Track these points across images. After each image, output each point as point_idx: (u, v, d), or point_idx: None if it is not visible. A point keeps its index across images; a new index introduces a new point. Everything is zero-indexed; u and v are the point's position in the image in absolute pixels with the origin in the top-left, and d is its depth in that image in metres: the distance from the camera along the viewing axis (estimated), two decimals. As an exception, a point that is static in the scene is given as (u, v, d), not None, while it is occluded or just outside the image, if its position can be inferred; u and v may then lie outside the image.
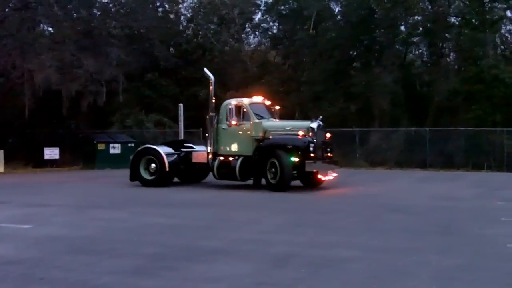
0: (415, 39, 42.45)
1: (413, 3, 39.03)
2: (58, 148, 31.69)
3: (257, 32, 48.16)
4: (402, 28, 41.34)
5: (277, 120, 19.85)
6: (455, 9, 40.67)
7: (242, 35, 45.88)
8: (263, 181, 18.34)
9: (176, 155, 20.21)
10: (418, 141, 32.07)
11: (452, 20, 41.28)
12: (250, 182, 19.13)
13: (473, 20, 38.94)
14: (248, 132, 18.69)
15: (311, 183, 18.67)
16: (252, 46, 48.22)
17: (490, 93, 33.73)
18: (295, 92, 38.82)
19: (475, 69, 36.39)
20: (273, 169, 17.57)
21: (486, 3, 37.85)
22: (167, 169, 19.65)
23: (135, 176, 20.30)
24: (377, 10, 38.46)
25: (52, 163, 31.40)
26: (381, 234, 10.19)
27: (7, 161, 29.83)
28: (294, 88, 39.64)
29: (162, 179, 19.71)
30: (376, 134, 34.15)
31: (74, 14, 34.33)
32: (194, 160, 20.02)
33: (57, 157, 31.57)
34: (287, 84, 40.42)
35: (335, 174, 18.80)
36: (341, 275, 7.09)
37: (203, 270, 7.26)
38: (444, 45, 42.11)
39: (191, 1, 46.06)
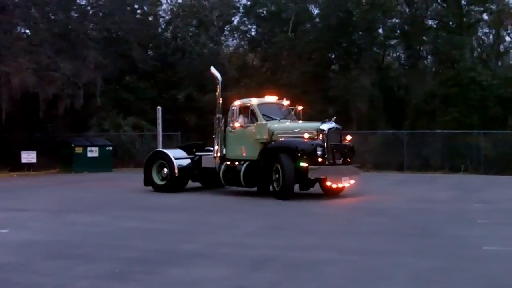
0: (392, 42, 42.75)
1: (390, 5, 39.25)
2: (35, 151, 31.40)
3: (235, 35, 48.18)
4: (380, 30, 41.60)
5: (291, 121, 18.05)
6: (433, 12, 41.02)
7: (221, 38, 45.86)
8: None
9: (189, 159, 19.29)
10: (395, 143, 32.27)
11: (430, 23, 41.61)
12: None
13: (450, 23, 39.30)
14: (253, 135, 17.38)
15: (323, 191, 17.13)
16: (231, 48, 48.24)
17: (467, 95, 34.05)
18: (274, 95, 38.86)
19: (452, 72, 36.73)
20: (277, 175, 16.13)
21: (463, 6, 38.22)
22: (176, 174, 18.69)
23: (148, 181, 19.64)
24: (355, 13, 38.59)
25: (29, 166, 31.10)
26: (359, 236, 10.23)
27: (-17, 165, 29.53)
28: (273, 90, 39.64)
29: (172, 184, 18.82)
30: (354, 137, 34.25)
31: (52, 17, 34.07)
32: (203, 165, 19.09)
33: (34, 160, 31.28)
34: (266, 86, 40.45)
35: (352, 181, 16.93)
36: (319, 277, 7.10)
37: (180, 274, 7.23)
38: (421, 48, 42.41)
39: (170, 3, 45.98)
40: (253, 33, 47.29)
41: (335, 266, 7.66)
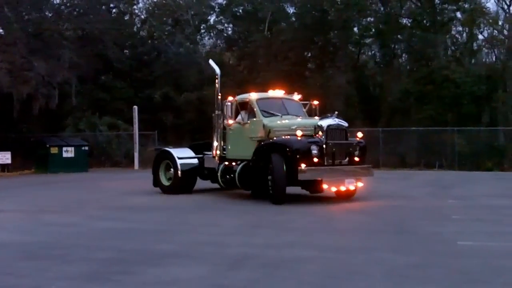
0: (367, 41, 43.05)
1: (365, 4, 39.50)
2: (9, 152, 31.11)
3: (212, 34, 48.15)
4: (355, 29, 41.84)
5: (300, 117, 16.36)
6: (407, 11, 41.38)
7: (197, 37, 45.78)
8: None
9: (196, 159, 18.09)
10: (371, 141, 32.43)
11: (404, 21, 41.95)
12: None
13: (425, 22, 39.64)
14: (248, 133, 16.18)
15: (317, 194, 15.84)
16: (207, 47, 48.17)
17: (441, 93, 34.43)
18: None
19: (426, 70, 37.09)
20: (270, 177, 14.69)
21: (437, 5, 38.59)
22: (180, 175, 17.73)
23: (156, 182, 18.79)
24: (330, 12, 38.79)
25: (3, 167, 30.82)
26: (336, 233, 10.30)
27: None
28: (250, 89, 39.71)
29: (177, 185, 17.89)
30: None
31: (26, 16, 33.76)
32: (206, 165, 17.78)
33: (9, 161, 30.99)
34: (243, 85, 40.49)
35: (360, 184, 15.33)
36: (297, 275, 7.14)
37: (158, 273, 7.22)
38: (396, 46, 42.74)
39: (145, 2, 45.80)
40: (229, 32, 47.31)
41: (313, 264, 7.71)
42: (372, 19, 41.98)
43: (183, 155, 18.21)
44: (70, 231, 10.83)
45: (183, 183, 17.92)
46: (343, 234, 10.27)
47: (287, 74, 38.53)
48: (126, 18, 44.73)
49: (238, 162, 16.08)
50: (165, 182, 18.41)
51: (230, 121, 16.63)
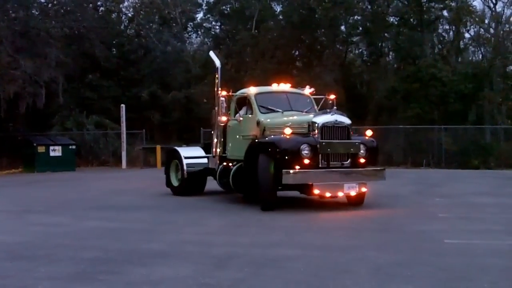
0: (355, 39, 43.18)
1: (352, 3, 39.61)
2: (-4, 151, 30.97)
3: (199, 32, 48.13)
4: (342, 28, 41.94)
5: (304, 114, 14.66)
6: (394, 9, 41.54)
7: (184, 35, 45.73)
8: None
9: (206, 159, 16.84)
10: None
11: (391, 20, 42.11)
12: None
13: (411, 20, 39.82)
14: (241, 131, 15.11)
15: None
16: (194, 46, 48.14)
17: (428, 91, 34.60)
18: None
19: (413, 68, 37.26)
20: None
21: (424, 3, 38.76)
22: (185, 175, 16.67)
23: (168, 182, 17.76)
24: (317, 10, 38.85)
25: (-10, 167, 30.68)
26: (321, 232, 10.33)
27: None
28: (237, 88, 39.72)
29: (184, 186, 16.92)
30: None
31: (12, 14, 33.57)
32: (209, 165, 16.51)
33: (-5, 160, 30.85)
34: (230, 84, 40.52)
35: (364, 189, 13.51)
36: (283, 274, 7.16)
37: (144, 273, 7.22)
38: (383, 45, 42.91)
39: (132, 0, 45.67)
40: (217, 30, 47.30)
41: (299, 262, 7.73)
42: (359, 18, 42.11)
43: (191, 155, 17.14)
44: (57, 231, 10.79)
45: (190, 184, 16.89)
46: (328, 232, 10.29)
47: (274, 72, 38.54)
48: (113, 16, 44.59)
49: (235, 163, 14.77)
50: (175, 183, 17.49)
51: (223, 118, 15.36)
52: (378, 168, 14.19)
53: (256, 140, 13.90)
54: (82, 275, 7.19)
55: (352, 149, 13.33)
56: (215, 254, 8.33)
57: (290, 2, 41.09)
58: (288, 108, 14.83)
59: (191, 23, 47.08)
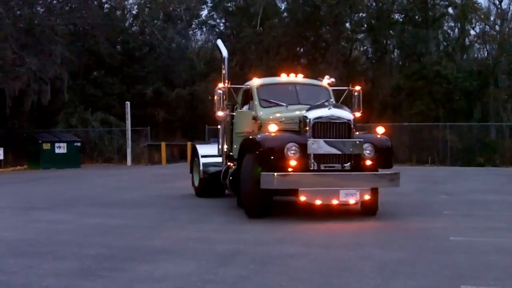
0: (359, 36, 43.11)
1: (357, 0, 39.53)
2: (2, 148, 31.00)
3: (204, 29, 48.13)
4: (347, 25, 41.88)
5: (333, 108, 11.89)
6: (399, 6, 41.44)
7: (189, 32, 45.72)
8: None
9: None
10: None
11: (396, 17, 42.03)
12: None
13: (416, 17, 39.73)
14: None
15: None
16: (199, 43, 48.15)
17: (433, 89, 34.53)
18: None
19: (418, 66, 37.20)
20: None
21: (429, 0, 38.67)
22: (201, 175, 15.32)
23: (193, 182, 16.50)
24: (322, 7, 38.80)
25: (-5, 163, 30.76)
26: (325, 229, 10.31)
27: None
28: (242, 85, 39.74)
29: (202, 187, 15.63)
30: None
31: (17, 12, 33.63)
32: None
33: (1, 157, 30.90)
34: (234, 81, 40.53)
35: (367, 197, 11.33)
36: (287, 271, 7.14)
37: (148, 269, 7.22)
38: (388, 42, 42.83)
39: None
40: (221, 28, 47.29)
41: (302, 260, 7.72)
42: (364, 15, 42.07)
43: (209, 153, 15.53)
44: (61, 227, 10.80)
45: (208, 185, 15.42)
46: (331, 230, 10.27)
47: (278, 69, 38.59)
48: (117, 14, 44.62)
49: (235, 163, 13.16)
50: (196, 183, 16.17)
51: (220, 113, 13.63)
52: (388, 172, 11.76)
53: (248, 137, 12.31)
54: (86, 271, 7.20)
55: (351, 149, 11.24)
56: (219, 251, 8.33)
57: (295, 0, 41.05)
58: (295, 102, 12.86)
59: (196, 20, 47.08)
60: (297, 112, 11.96)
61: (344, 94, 13.93)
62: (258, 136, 11.73)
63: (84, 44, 38.36)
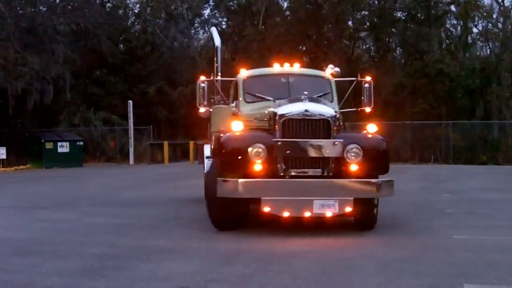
0: (362, 34, 43.08)
1: (359, -2, 39.56)
2: (4, 147, 31.01)
3: (206, 28, 48.09)
4: (349, 23, 41.88)
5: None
6: (401, 4, 41.42)
7: (191, 31, 45.71)
8: None
9: None
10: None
11: (398, 15, 42.00)
12: None
13: (419, 15, 39.70)
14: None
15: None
16: (201, 41, 48.13)
17: (435, 87, 34.49)
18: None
19: (420, 64, 37.15)
20: None
21: (431, -2, 38.65)
22: (205, 177, 13.12)
23: None
24: (324, 5, 38.78)
25: (-2, 163, 30.78)
26: (328, 228, 10.29)
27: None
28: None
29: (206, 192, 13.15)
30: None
31: (19, 11, 33.65)
32: None
33: (4, 156, 30.88)
34: (291, 95, 40.52)
35: (348, 209, 9.40)
36: (290, 270, 7.14)
37: (151, 268, 7.22)
38: (390, 40, 42.81)
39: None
40: (223, 26, 47.27)
41: (306, 258, 7.71)
42: (366, 13, 42.06)
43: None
44: (64, 226, 10.80)
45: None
46: (334, 229, 10.25)
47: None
48: (119, 13, 44.61)
49: None
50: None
51: (202, 109, 12.16)
52: (376, 180, 9.62)
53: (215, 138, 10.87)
54: (89, 270, 7.20)
55: (328, 151, 9.45)
56: (222, 250, 8.33)
57: (297, -2, 41.09)
58: (285, 96, 10.83)
59: (198, 19, 47.08)
60: (271, 108, 10.25)
61: (352, 86, 12.23)
62: (222, 135, 9.99)
63: (87, 43, 38.35)
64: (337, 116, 10.14)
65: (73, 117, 36.66)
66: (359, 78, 12.06)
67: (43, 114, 37.22)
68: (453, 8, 40.36)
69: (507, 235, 9.46)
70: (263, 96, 11.21)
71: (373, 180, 9.56)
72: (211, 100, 12.63)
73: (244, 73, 11.95)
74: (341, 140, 9.50)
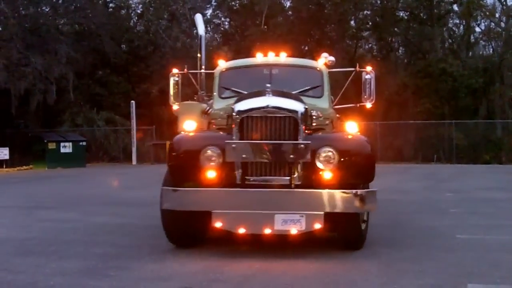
0: (364, 34, 43.05)
1: (362, -3, 39.56)
2: (7, 148, 31.09)
3: (208, 28, 48.07)
4: (352, 23, 41.88)
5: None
6: (404, 4, 41.39)
7: (194, 31, 45.70)
8: None
9: None
10: (368, 135, 32.39)
11: (401, 14, 41.98)
12: None
13: (421, 15, 39.68)
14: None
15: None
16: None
17: (438, 86, 34.49)
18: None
19: (423, 63, 37.16)
20: None
21: (434, -2, 38.63)
22: None
23: None
24: (326, 5, 38.78)
25: (1, 163, 30.80)
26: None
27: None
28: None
29: None
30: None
31: (22, 11, 33.72)
32: None
33: (7, 157, 30.97)
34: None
35: (317, 225, 7.69)
36: (293, 269, 7.14)
37: (154, 269, 7.22)
38: (393, 40, 42.79)
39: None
40: (226, 26, 47.31)
41: (308, 258, 7.69)
42: (368, 12, 42.03)
43: None
44: (67, 226, 10.81)
45: None
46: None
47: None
48: (122, 13, 44.67)
49: None
50: None
51: (176, 107, 10.77)
52: (353, 191, 7.72)
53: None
54: (93, 270, 7.20)
55: (292, 156, 7.73)
56: (225, 250, 8.31)
57: (299, -3, 41.09)
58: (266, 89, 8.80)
59: (201, 19, 47.12)
60: (236, 104, 8.35)
61: (350, 78, 10.68)
62: (178, 138, 8.48)
63: (89, 43, 38.40)
64: (312, 113, 8.59)
65: (76, 117, 36.74)
66: (358, 69, 10.57)
67: (46, 114, 37.29)
68: (455, 7, 40.35)
69: (511, 235, 9.44)
70: (239, 90, 9.55)
71: (348, 191, 7.69)
72: (195, 97, 11.42)
73: (221, 65, 10.51)
74: (309, 142, 7.75)
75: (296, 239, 8.37)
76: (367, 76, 10.41)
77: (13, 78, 31.23)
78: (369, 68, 10.47)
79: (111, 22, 39.25)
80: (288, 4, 44.66)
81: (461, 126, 32.70)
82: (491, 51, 43.29)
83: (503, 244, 8.64)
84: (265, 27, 41.25)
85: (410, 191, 16.61)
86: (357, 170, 7.98)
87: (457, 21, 43.18)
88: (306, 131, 8.09)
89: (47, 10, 35.85)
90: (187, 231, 8.42)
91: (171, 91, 10.80)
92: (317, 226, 7.67)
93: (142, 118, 35.22)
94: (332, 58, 10.83)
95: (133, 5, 46.05)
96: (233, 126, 8.02)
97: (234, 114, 8.07)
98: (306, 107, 8.26)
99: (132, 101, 34.45)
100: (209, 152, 7.86)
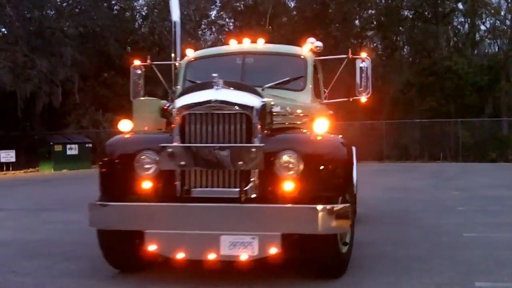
0: (369, 33, 43.02)
1: (366, -3, 39.54)
2: (14, 150, 31.17)
3: (213, 29, 48.16)
4: (356, 22, 41.85)
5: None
6: (408, 2, 41.34)
7: (199, 32, 45.76)
8: None
9: None
10: (374, 133, 32.46)
11: (405, 13, 41.92)
12: None
13: (426, 13, 39.62)
14: None
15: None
16: (208, 43, 48.14)
17: (444, 84, 34.43)
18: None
19: (428, 61, 37.10)
20: None
21: (439, -4, 38.58)
22: None
23: None
24: (331, 5, 38.75)
25: (8, 166, 30.88)
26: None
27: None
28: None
29: None
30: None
31: (27, 15, 33.82)
32: None
33: (13, 159, 31.05)
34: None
35: (274, 250, 5.90)
36: (297, 268, 7.10)
37: (161, 271, 7.20)
38: (397, 38, 42.73)
39: (145, -2, 45.82)
40: (230, 27, 47.34)
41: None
42: (373, 12, 41.99)
43: None
44: (73, 228, 10.80)
45: None
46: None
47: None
48: (127, 15, 44.75)
49: None
50: None
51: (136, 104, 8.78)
52: (318, 207, 5.87)
53: None
54: (99, 272, 7.19)
55: (241, 163, 6.04)
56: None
57: (304, -3, 41.09)
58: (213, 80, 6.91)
59: (205, 20, 47.12)
60: (178, 99, 6.77)
61: (342, 66, 9.49)
62: (114, 139, 7.17)
63: (94, 46, 38.50)
64: (275, 109, 6.85)
65: (81, 119, 36.82)
66: (350, 55, 9.20)
67: (51, 116, 37.38)
68: (460, 5, 40.27)
69: (518, 232, 9.41)
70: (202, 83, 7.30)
71: (311, 207, 5.91)
72: (170, 91, 10.19)
73: (190, 54, 9.19)
74: (262, 145, 6.13)
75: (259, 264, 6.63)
76: (362, 64, 9.01)
77: (18, 81, 31.34)
78: (364, 55, 9.07)
79: (115, 24, 39.34)
80: (292, 4, 44.70)
81: (467, 124, 32.64)
82: (496, 49, 43.25)
83: (511, 242, 8.61)
84: (270, 27, 41.25)
85: (416, 189, 16.57)
86: (326, 179, 6.22)
87: (462, 19, 43.15)
88: (265, 132, 6.41)
89: (51, 13, 35.98)
90: (129, 254, 6.85)
91: (131, 86, 9.68)
92: (273, 250, 5.95)
93: (147, 120, 35.26)
94: (319, 44, 9.23)
95: (137, 7, 46.16)
96: (173, 125, 6.45)
97: (174, 110, 6.49)
98: (264, 101, 6.49)
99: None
100: (144, 158, 6.40)
